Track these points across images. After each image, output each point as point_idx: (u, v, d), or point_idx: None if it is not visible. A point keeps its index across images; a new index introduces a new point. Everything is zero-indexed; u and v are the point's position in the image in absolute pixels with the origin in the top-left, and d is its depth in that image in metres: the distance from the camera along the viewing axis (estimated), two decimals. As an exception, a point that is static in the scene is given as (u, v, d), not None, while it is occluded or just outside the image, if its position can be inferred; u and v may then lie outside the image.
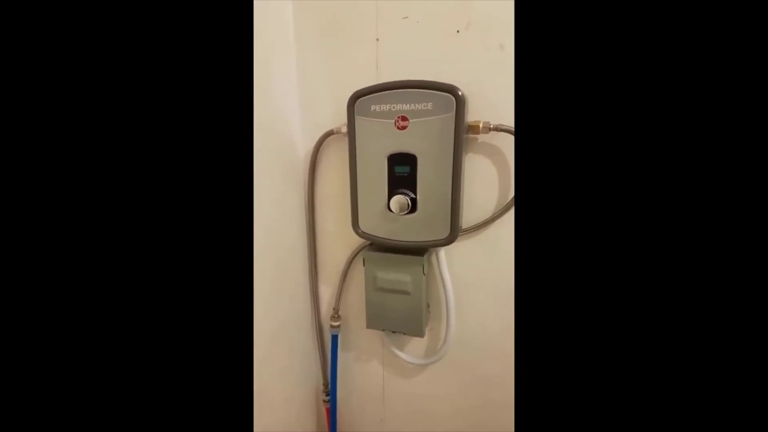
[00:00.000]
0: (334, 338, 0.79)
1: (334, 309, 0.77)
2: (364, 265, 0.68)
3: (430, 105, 0.54)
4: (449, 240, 0.59)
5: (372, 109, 0.57)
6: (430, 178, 0.57)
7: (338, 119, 0.66)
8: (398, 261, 0.65)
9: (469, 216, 0.63)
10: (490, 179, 0.61)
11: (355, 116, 0.59)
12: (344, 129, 0.63)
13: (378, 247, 0.67)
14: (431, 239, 0.60)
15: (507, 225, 0.62)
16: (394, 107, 0.56)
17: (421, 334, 0.68)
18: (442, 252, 0.65)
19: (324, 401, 0.84)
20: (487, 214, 0.62)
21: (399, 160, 0.58)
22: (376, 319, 0.69)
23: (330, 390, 0.82)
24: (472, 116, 0.57)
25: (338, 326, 0.77)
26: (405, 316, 0.67)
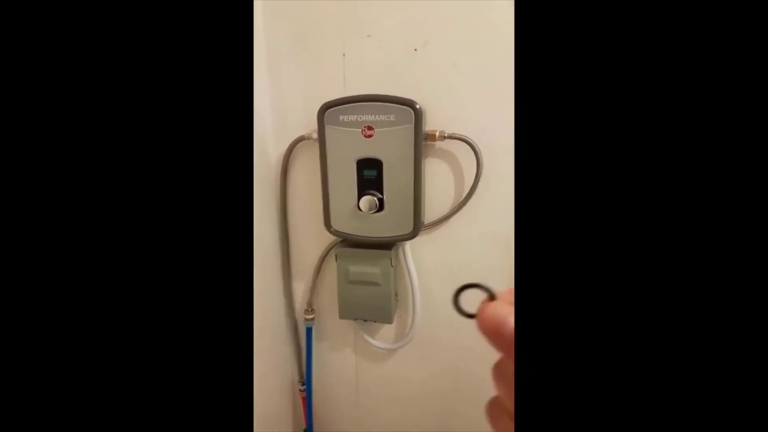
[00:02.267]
0: (309, 330, 0.84)
1: (308, 303, 0.83)
2: (336, 260, 0.74)
3: (392, 116, 0.61)
4: (413, 234, 0.67)
5: (341, 119, 0.63)
6: (394, 180, 0.65)
7: (309, 125, 0.71)
8: (368, 255, 0.71)
9: (429, 212, 0.71)
10: (446, 180, 0.69)
11: (325, 125, 0.64)
12: (315, 135, 0.68)
13: (349, 243, 0.73)
14: (397, 234, 0.68)
15: (463, 219, 0.70)
16: (360, 117, 0.63)
17: (390, 321, 0.75)
18: (408, 245, 0.73)
19: (300, 390, 0.89)
20: (445, 210, 0.70)
21: (367, 164, 0.65)
22: (349, 310, 0.76)
23: (306, 379, 0.87)
24: (430, 125, 0.65)
25: (312, 319, 0.83)
26: (375, 305, 0.74)
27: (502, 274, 0.71)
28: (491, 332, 0.19)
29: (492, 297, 0.20)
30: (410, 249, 0.73)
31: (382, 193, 0.66)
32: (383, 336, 0.83)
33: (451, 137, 0.64)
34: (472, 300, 0.20)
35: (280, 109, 0.73)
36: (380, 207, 0.66)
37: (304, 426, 0.92)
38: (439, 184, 0.69)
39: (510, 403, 0.19)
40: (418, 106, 0.60)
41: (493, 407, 0.20)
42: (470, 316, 0.20)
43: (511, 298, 0.20)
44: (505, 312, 0.18)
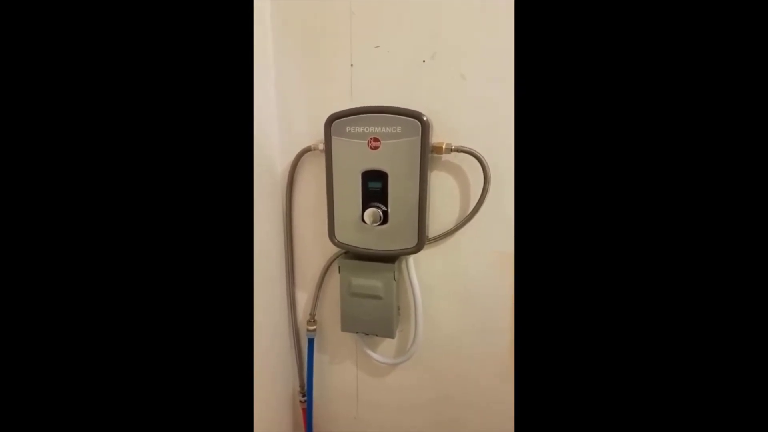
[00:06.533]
0: (311, 342, 0.83)
1: (310, 314, 0.82)
2: (339, 272, 0.73)
3: (399, 128, 0.60)
4: (417, 248, 0.66)
5: (347, 130, 0.63)
6: (399, 192, 0.64)
7: (315, 137, 0.71)
8: (371, 268, 0.70)
9: (434, 226, 0.70)
10: (452, 193, 0.68)
11: (332, 136, 0.64)
12: (321, 146, 0.68)
13: (352, 255, 0.72)
14: (401, 248, 0.66)
15: (468, 234, 0.69)
16: (367, 129, 0.62)
17: (392, 336, 0.73)
18: (411, 259, 0.71)
19: (300, 402, 0.88)
20: (450, 224, 0.69)
21: (372, 176, 0.64)
22: (351, 322, 0.74)
23: (306, 391, 0.86)
24: (436, 137, 0.64)
25: (314, 330, 0.82)
26: (377, 319, 0.72)
27: (506, 291, 0.69)
28: None
29: None
30: (414, 263, 0.72)
31: (386, 206, 0.65)
32: (385, 350, 0.81)
33: (458, 150, 0.63)
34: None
35: (286, 119, 0.73)
36: (384, 220, 0.65)
37: (303, 438, 0.90)
38: (445, 198, 0.68)
39: None
40: (425, 118, 0.60)
41: None
42: None
43: None
44: None
